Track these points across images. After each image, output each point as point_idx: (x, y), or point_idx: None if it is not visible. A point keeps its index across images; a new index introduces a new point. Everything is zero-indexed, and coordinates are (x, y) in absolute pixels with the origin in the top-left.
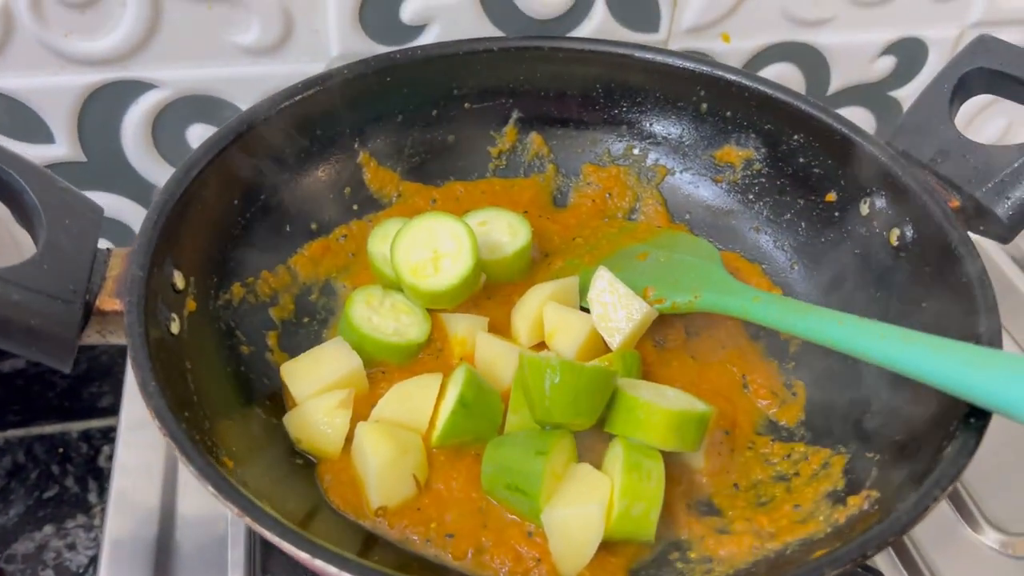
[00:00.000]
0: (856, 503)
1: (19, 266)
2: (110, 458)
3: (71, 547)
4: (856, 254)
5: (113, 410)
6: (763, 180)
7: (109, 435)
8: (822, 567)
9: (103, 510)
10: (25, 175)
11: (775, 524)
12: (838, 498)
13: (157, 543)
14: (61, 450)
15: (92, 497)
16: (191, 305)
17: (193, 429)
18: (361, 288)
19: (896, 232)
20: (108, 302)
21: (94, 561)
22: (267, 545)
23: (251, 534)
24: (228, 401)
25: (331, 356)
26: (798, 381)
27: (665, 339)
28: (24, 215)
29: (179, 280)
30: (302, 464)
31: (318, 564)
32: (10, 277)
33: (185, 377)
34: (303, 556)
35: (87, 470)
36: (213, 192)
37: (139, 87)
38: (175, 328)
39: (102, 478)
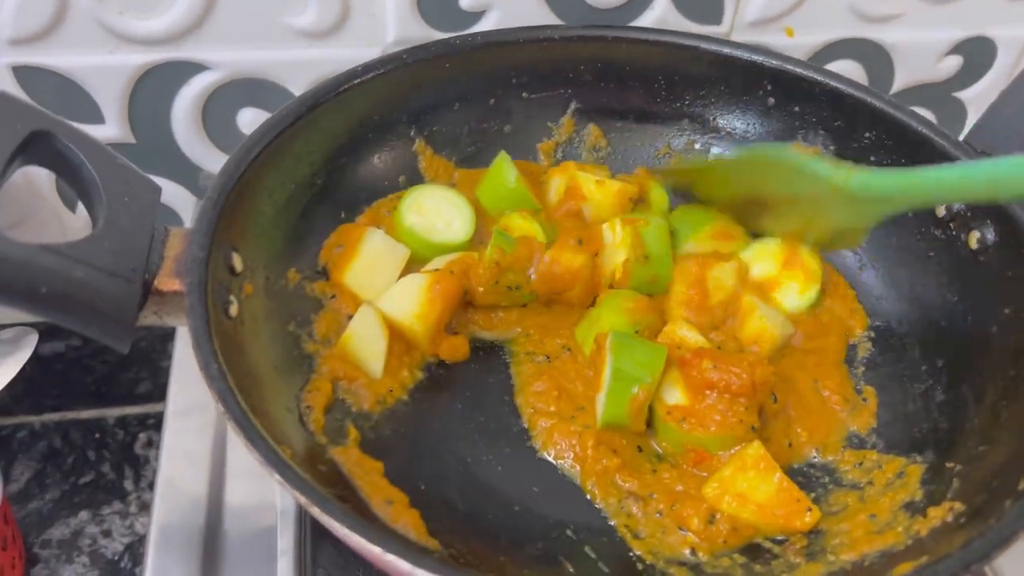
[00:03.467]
0: (938, 515)
1: (81, 242)
2: (146, 445)
3: (107, 534)
4: (931, 257)
5: (150, 396)
6: None
7: (146, 422)
8: None
9: (139, 498)
10: (85, 150)
11: (849, 535)
12: (917, 509)
13: (205, 531)
14: (97, 436)
15: (128, 484)
16: (248, 288)
17: (253, 414)
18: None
19: (976, 235)
20: (167, 282)
21: (129, 548)
22: (317, 534)
23: (301, 523)
24: (279, 387)
25: (381, 254)
26: (868, 387)
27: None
28: (83, 191)
29: (237, 262)
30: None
31: (390, 559)
32: (72, 253)
33: (242, 361)
34: (375, 550)
35: (123, 457)
36: (271, 175)
37: (192, 68)
38: (233, 311)
39: (138, 465)
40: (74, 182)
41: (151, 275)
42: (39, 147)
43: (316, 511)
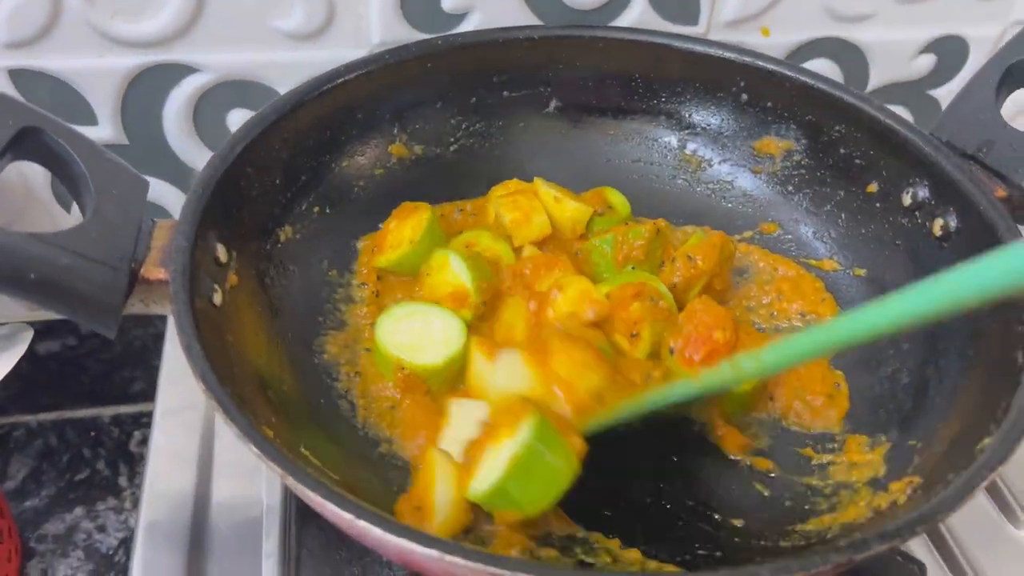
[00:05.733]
0: (899, 488)
1: (68, 231)
2: (141, 443)
3: (101, 529)
4: (898, 245)
5: (144, 396)
6: (803, 171)
7: (140, 420)
8: (847, 551)
9: (133, 494)
10: (74, 145)
11: (814, 510)
12: (879, 485)
13: (191, 527)
14: (93, 434)
15: (123, 481)
16: (233, 279)
17: (236, 397)
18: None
19: (940, 222)
20: (153, 271)
21: (124, 543)
22: (302, 528)
23: (286, 519)
24: (262, 378)
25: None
26: (838, 372)
27: None
28: (73, 185)
29: (222, 254)
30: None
31: (361, 525)
32: (60, 242)
33: (226, 349)
34: (345, 516)
35: (118, 454)
36: (256, 171)
37: (182, 71)
38: (217, 299)
39: (133, 462)
40: (64, 176)
41: (138, 264)
42: (29, 143)
43: (291, 481)
